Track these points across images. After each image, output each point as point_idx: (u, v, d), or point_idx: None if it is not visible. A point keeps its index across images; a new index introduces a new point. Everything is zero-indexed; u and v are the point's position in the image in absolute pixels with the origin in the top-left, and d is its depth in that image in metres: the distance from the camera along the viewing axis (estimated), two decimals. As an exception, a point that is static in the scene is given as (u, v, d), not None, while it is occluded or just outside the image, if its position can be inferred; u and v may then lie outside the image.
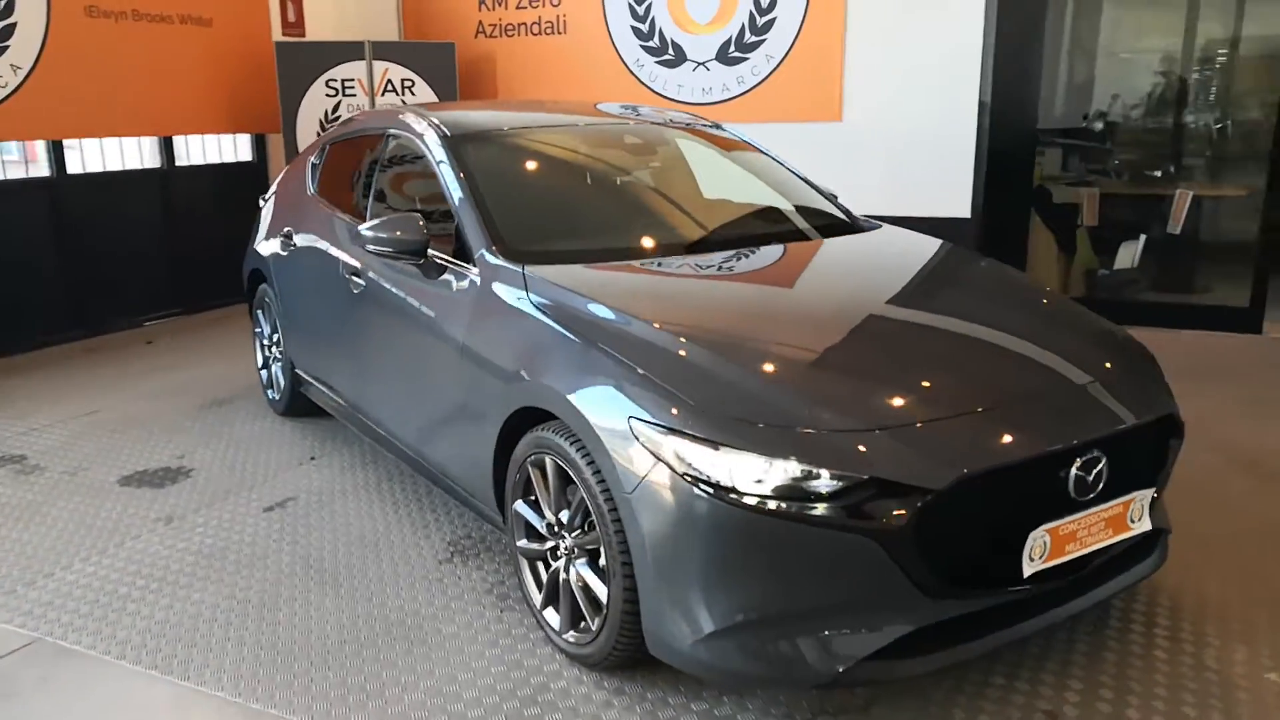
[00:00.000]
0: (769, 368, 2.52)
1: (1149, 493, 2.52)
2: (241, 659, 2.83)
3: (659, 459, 2.30)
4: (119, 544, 3.58)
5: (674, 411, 2.32)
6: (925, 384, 2.49)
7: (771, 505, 2.19)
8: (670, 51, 7.26)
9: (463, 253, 3.23)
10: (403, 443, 3.63)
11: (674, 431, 2.29)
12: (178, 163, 7.26)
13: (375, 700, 2.62)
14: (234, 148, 7.74)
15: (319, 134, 7.38)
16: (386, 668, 2.77)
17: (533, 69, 7.80)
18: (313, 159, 4.65)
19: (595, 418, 2.46)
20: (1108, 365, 2.70)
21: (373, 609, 3.08)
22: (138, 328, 6.96)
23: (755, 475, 2.21)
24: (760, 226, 3.73)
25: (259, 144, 7.83)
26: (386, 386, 3.67)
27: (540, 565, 2.89)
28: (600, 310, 2.75)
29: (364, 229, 3.34)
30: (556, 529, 2.76)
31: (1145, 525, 2.53)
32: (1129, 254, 6.39)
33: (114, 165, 6.85)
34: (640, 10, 7.29)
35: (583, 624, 2.71)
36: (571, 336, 2.67)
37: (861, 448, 2.22)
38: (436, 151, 3.54)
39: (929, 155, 6.54)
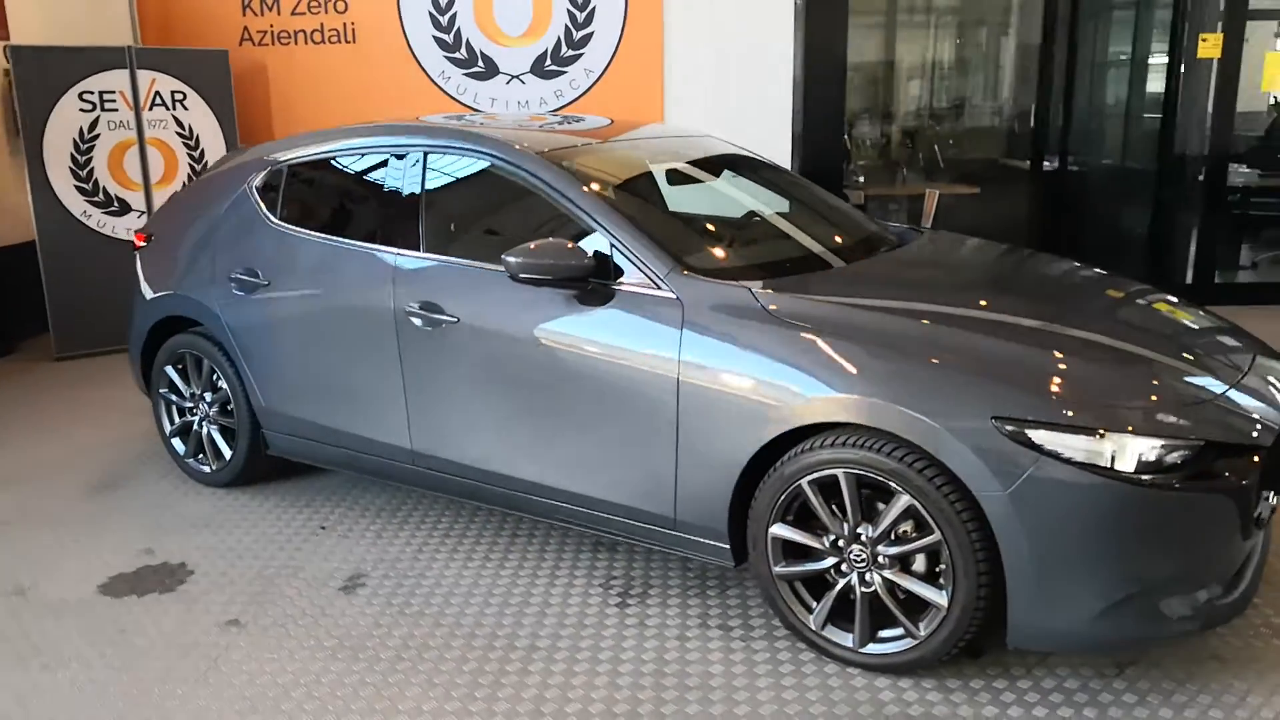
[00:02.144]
0: (1093, 356, 2.75)
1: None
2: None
3: (1042, 453, 2.43)
4: (211, 665, 2.89)
5: (1050, 406, 2.48)
6: (1207, 361, 2.86)
7: (1153, 480, 2.43)
8: (480, 64, 7.04)
9: (619, 276, 3.08)
10: (528, 488, 3.28)
11: (1056, 426, 2.44)
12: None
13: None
14: (-55, 175, 6.22)
15: (73, 152, 6.18)
16: (708, 720, 2.59)
17: (316, 81, 7.13)
18: (254, 183, 3.99)
19: (942, 423, 2.51)
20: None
21: (614, 668, 2.83)
22: None
23: (1134, 454, 2.43)
24: (865, 230, 3.84)
25: (-25, 169, 6.36)
26: (505, 428, 3.28)
27: (801, 586, 2.86)
28: (885, 320, 2.83)
29: (510, 257, 3.02)
30: (842, 544, 2.75)
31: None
32: (923, 247, 7.35)
33: None
34: (443, 21, 6.98)
35: (884, 632, 2.74)
36: (878, 350, 2.69)
37: (1208, 418, 2.54)
38: (543, 172, 3.28)
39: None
